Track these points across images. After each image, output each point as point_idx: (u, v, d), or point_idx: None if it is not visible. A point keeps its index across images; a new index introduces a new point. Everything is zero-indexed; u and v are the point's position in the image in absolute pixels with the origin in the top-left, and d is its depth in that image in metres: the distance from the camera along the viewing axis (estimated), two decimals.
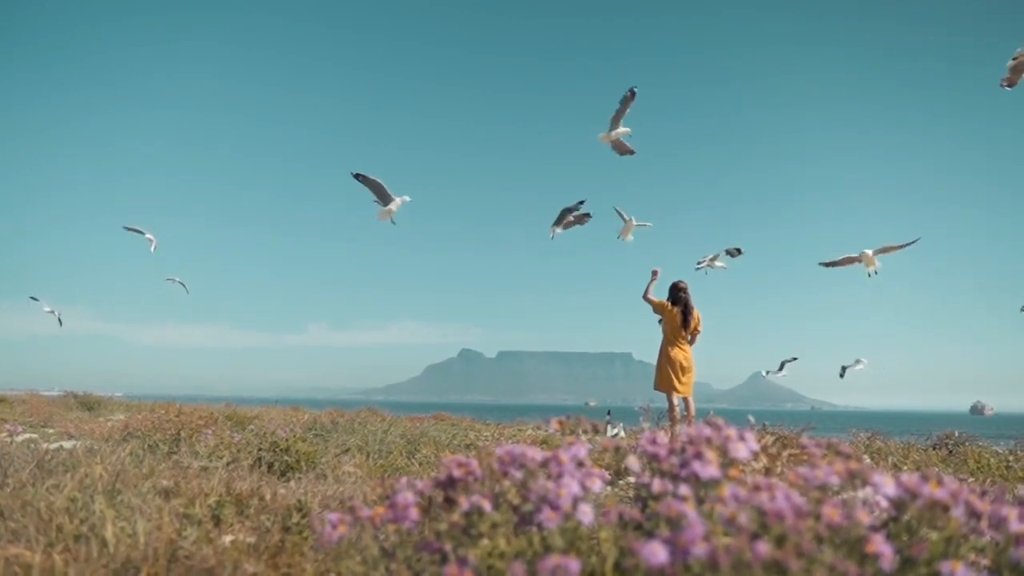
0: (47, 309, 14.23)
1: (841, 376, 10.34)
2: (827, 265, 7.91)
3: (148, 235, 10.96)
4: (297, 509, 2.02)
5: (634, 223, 8.33)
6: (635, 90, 7.40)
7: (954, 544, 1.01)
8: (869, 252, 7.55)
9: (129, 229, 11.04)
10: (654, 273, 6.95)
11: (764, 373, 10.71)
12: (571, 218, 8.30)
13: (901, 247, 7.52)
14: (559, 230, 8.39)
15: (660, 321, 6.97)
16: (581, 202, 8.28)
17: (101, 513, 1.78)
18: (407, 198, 7.63)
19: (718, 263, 8.52)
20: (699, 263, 8.53)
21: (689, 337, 6.83)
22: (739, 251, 8.55)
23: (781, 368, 10.48)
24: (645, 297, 6.95)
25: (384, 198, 7.58)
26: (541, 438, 7.05)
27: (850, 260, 7.72)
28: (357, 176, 7.48)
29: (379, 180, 7.48)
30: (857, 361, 10.46)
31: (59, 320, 14.25)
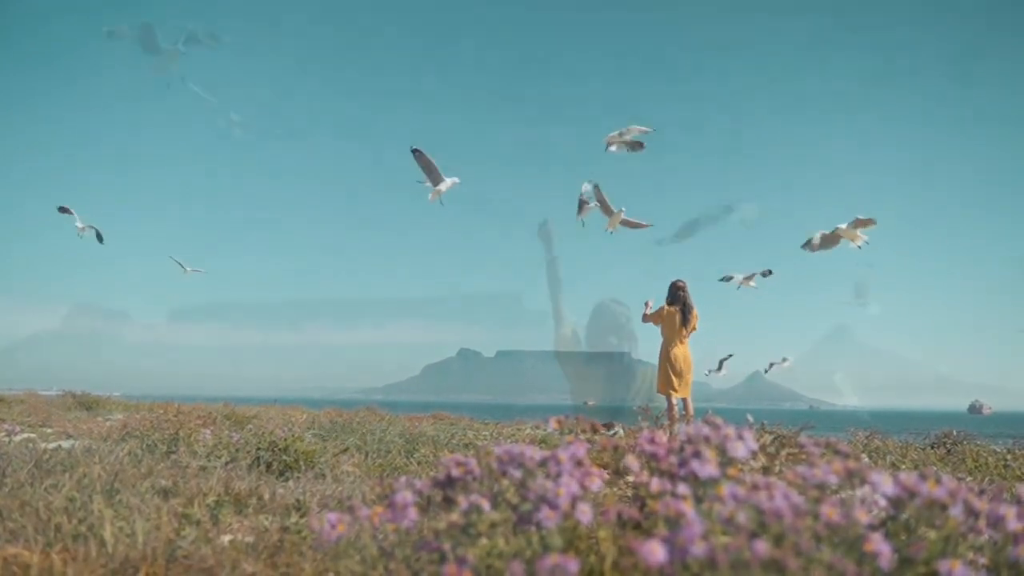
0: None
1: (765, 372, 10.57)
2: (810, 248, 7.77)
3: (78, 222, 10.42)
4: (296, 508, 2.02)
5: (622, 214, 8.41)
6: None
7: (952, 543, 1.01)
8: (843, 226, 7.39)
9: (61, 210, 10.42)
10: (647, 304, 7.37)
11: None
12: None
13: (868, 221, 7.31)
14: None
15: (660, 325, 7.08)
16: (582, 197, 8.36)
17: (99, 513, 1.78)
18: (456, 180, 7.80)
19: (752, 283, 8.58)
20: (730, 278, 8.58)
21: (686, 333, 6.94)
22: (770, 272, 8.63)
23: (719, 367, 10.56)
24: (644, 320, 7.33)
25: (435, 179, 7.73)
26: (540, 437, 7.05)
27: (829, 240, 7.54)
28: (415, 152, 7.65)
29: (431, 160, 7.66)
30: (784, 359, 10.67)
31: None
